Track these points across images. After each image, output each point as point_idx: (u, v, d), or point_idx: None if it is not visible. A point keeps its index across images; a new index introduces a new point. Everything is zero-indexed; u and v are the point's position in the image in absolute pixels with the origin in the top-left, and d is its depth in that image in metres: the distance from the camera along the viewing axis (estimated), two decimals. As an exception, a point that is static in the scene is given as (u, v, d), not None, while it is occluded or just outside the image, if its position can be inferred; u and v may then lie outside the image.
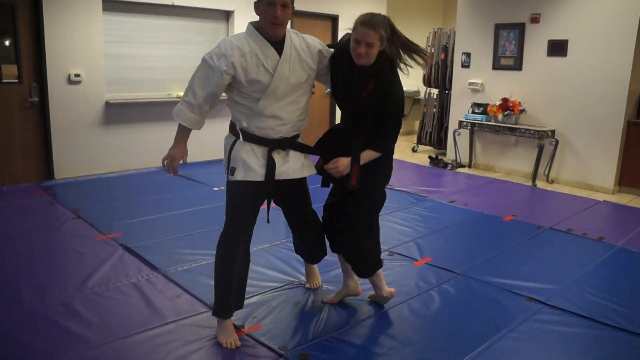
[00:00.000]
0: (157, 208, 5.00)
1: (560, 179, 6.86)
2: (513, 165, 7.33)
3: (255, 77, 2.56)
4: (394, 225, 4.67)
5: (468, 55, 7.66)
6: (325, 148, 2.93)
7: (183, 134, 2.79)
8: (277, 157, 2.72)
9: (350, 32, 2.69)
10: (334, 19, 8.61)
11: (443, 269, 3.74)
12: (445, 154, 8.28)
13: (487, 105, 7.26)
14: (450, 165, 7.61)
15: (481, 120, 7.25)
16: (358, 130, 2.77)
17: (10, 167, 5.74)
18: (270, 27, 2.55)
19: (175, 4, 6.65)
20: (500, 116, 6.99)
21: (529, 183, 6.75)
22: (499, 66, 7.32)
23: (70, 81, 5.96)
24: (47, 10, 5.68)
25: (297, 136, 2.82)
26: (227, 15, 7.28)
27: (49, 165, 5.97)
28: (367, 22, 2.59)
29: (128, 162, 6.57)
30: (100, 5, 6.07)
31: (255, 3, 2.59)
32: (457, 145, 7.72)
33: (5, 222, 4.54)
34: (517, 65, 7.11)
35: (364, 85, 2.70)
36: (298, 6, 8.01)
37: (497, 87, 7.33)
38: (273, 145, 2.70)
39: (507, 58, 7.22)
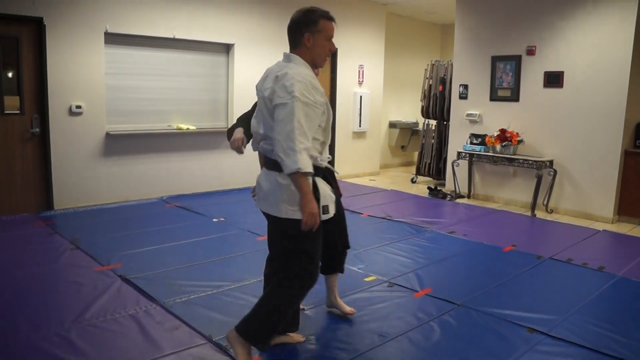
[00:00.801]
0: (156, 239, 4.99)
1: (559, 208, 6.87)
2: (512, 195, 7.35)
3: (325, 114, 2.60)
4: (393, 256, 4.66)
5: (465, 87, 7.75)
6: None
7: (308, 182, 2.51)
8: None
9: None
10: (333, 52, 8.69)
11: (443, 300, 3.72)
12: (444, 185, 8.30)
13: (485, 136, 7.31)
14: (449, 196, 7.62)
15: (479, 151, 7.28)
16: None
17: (10, 197, 5.74)
18: (324, 60, 2.69)
19: (176, 37, 6.75)
20: (498, 147, 7.03)
21: (528, 213, 6.75)
22: (496, 97, 7.40)
23: (71, 112, 6.02)
24: (50, 43, 5.77)
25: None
26: (227, 48, 7.38)
27: (49, 196, 5.98)
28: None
29: (128, 193, 6.58)
30: (102, 38, 6.17)
31: (306, 34, 2.59)
32: (456, 176, 7.74)
33: (4, 252, 4.52)
34: (514, 97, 7.18)
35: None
36: (297, 39, 8.10)
37: (495, 118, 7.40)
38: (321, 173, 2.71)
39: (504, 89, 7.30)
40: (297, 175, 2.39)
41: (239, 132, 2.92)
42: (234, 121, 3.15)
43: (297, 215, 2.53)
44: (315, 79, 2.56)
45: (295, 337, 3.07)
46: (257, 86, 2.75)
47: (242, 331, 2.59)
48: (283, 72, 2.52)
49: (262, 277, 3.90)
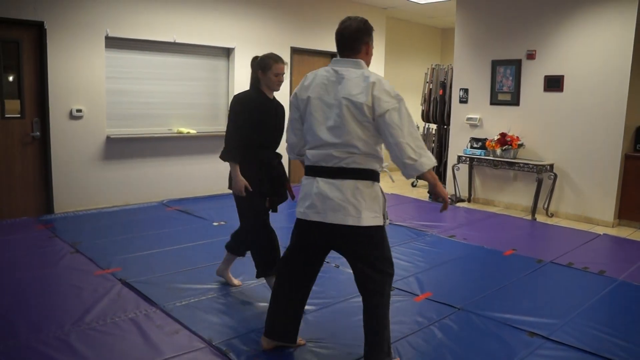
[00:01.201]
0: (156, 243, 4.98)
1: (559, 212, 6.86)
2: (512, 199, 7.34)
3: None
4: (394, 260, 4.64)
5: (466, 91, 7.75)
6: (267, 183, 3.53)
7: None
8: None
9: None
10: (333, 56, 8.72)
11: (443, 304, 3.71)
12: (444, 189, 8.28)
13: (485, 140, 7.32)
14: (449, 200, 7.59)
15: (480, 155, 7.29)
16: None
17: (10, 200, 5.74)
18: None
19: (176, 41, 6.76)
20: (498, 151, 7.03)
21: (529, 217, 6.75)
22: (497, 101, 7.40)
23: (72, 116, 6.02)
24: (51, 47, 5.78)
25: None
26: (227, 52, 7.40)
27: (49, 199, 5.98)
28: (281, 59, 3.51)
29: (128, 196, 6.58)
30: (103, 42, 6.18)
31: (368, 42, 2.74)
32: (457, 180, 7.74)
33: (4, 255, 4.52)
34: (515, 101, 7.19)
35: (283, 114, 3.59)
36: (298, 44, 8.16)
37: (495, 122, 7.40)
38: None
39: (505, 93, 7.30)
40: (429, 171, 2.54)
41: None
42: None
43: (379, 221, 2.61)
44: None
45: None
46: (312, 95, 2.64)
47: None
48: (373, 77, 2.53)
49: (263, 281, 3.92)
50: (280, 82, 3.51)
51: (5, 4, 5.45)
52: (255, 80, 3.56)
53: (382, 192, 2.67)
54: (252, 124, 3.42)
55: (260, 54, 3.63)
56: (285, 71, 3.54)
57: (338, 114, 2.55)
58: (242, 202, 3.56)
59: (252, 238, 3.62)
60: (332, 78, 2.61)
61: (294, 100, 2.75)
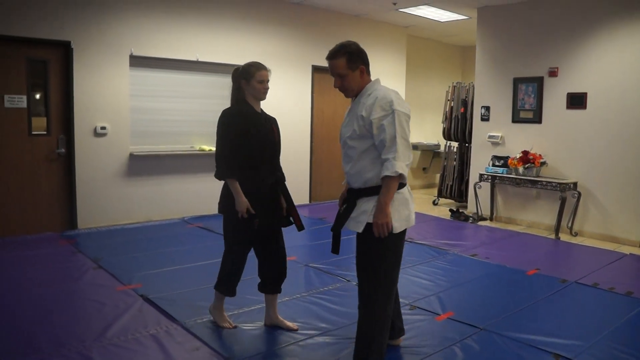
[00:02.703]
0: (177, 259, 5.01)
1: (584, 231, 6.75)
2: (535, 218, 7.25)
3: None
4: (415, 279, 4.61)
5: (487, 108, 7.72)
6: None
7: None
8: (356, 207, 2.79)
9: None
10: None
11: (466, 324, 3.66)
12: (466, 207, 8.22)
13: (507, 158, 7.25)
14: (471, 218, 7.54)
15: (502, 173, 7.22)
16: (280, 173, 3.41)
17: (35, 216, 5.83)
18: (344, 94, 2.94)
19: (199, 59, 6.85)
20: (521, 169, 6.96)
21: (552, 236, 6.65)
22: (519, 119, 7.35)
23: (96, 133, 6.12)
24: (77, 66, 5.91)
25: (364, 191, 2.74)
26: (249, 70, 7.46)
27: (73, 215, 6.06)
28: (263, 66, 3.37)
29: (150, 213, 6.64)
30: (128, 61, 6.29)
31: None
32: (478, 198, 7.67)
33: (27, 270, 4.58)
34: (537, 118, 7.13)
35: (271, 129, 3.36)
36: (320, 62, 8.22)
37: (517, 139, 7.34)
38: (349, 192, 2.88)
39: (527, 111, 7.25)
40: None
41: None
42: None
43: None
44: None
45: None
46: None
47: None
48: None
49: (285, 298, 3.91)
50: (265, 89, 3.32)
51: (34, 24, 5.59)
52: (237, 93, 3.37)
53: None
54: (240, 139, 3.20)
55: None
56: (269, 78, 3.33)
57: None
58: (228, 224, 3.44)
59: (227, 255, 3.49)
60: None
61: None
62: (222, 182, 3.32)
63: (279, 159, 3.47)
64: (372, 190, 2.71)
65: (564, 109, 6.84)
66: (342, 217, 2.79)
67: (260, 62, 3.35)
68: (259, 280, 3.53)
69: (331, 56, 2.81)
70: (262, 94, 3.33)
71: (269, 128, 3.35)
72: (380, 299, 2.73)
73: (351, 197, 2.80)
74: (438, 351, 3.24)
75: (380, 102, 2.69)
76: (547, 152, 6.98)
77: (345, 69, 2.77)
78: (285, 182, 3.47)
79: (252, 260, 3.49)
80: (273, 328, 3.49)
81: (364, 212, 2.71)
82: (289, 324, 3.51)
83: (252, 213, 3.20)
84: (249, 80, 3.29)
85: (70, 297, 4.01)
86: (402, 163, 2.61)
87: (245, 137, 3.21)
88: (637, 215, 6.26)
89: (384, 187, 2.62)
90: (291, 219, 3.44)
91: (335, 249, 2.89)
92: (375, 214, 2.63)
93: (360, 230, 2.71)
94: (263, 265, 3.49)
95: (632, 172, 6.26)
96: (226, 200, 3.36)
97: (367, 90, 2.82)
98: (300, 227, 3.40)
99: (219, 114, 3.29)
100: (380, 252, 2.71)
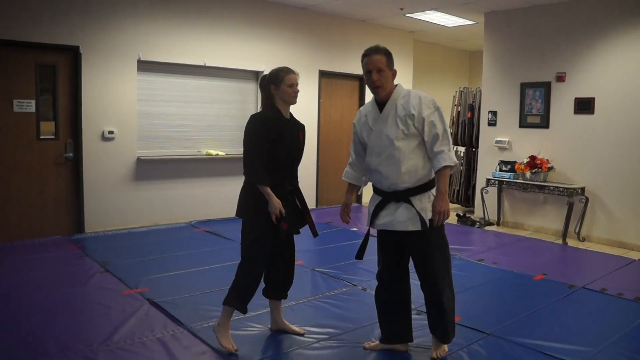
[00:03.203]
0: (184, 263, 5.02)
1: (591, 236, 6.71)
2: (542, 223, 7.22)
3: (364, 135, 3.07)
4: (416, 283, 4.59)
5: (494, 113, 7.70)
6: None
7: (348, 189, 3.40)
8: (389, 209, 2.99)
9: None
10: (361, 79, 8.78)
11: (472, 329, 3.64)
12: (473, 212, 8.20)
13: (514, 163, 7.23)
14: (478, 223, 7.52)
15: (509, 178, 7.20)
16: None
17: (42, 220, 5.86)
18: (373, 91, 3.03)
19: (206, 64, 6.88)
20: (528, 174, 6.94)
21: (559, 241, 6.62)
22: (526, 124, 7.33)
23: (104, 138, 6.15)
24: (85, 70, 5.95)
25: (414, 190, 2.95)
26: (256, 76, 7.49)
27: (80, 219, 6.09)
28: (292, 70, 3.33)
29: (157, 217, 6.66)
30: (135, 65, 6.33)
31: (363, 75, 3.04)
32: (485, 203, 7.64)
33: (35, 273, 4.60)
34: (544, 123, 7.11)
35: (298, 136, 3.31)
36: (327, 67, 8.23)
37: (525, 144, 7.32)
38: (385, 197, 3.01)
39: (534, 116, 7.23)
40: None
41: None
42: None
43: None
44: (361, 110, 3.21)
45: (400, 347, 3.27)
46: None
47: (452, 336, 3.17)
48: None
49: (292, 302, 3.91)
50: (295, 93, 3.29)
51: (43, 29, 5.64)
52: (267, 100, 3.33)
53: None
54: (268, 145, 3.16)
55: None
56: (298, 82, 3.32)
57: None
58: (249, 230, 3.26)
59: (245, 265, 3.28)
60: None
61: None
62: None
63: (298, 165, 3.43)
64: (422, 188, 2.95)
65: (572, 114, 6.82)
66: (394, 221, 2.96)
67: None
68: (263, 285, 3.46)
69: (374, 51, 2.97)
70: (292, 97, 3.30)
71: (295, 135, 3.31)
72: (451, 276, 3.13)
73: (397, 199, 2.96)
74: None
75: (425, 101, 2.95)
76: (554, 157, 6.96)
77: (385, 65, 2.95)
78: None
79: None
80: (279, 332, 3.49)
81: (422, 209, 2.93)
82: (296, 328, 3.50)
83: (284, 215, 3.14)
84: (278, 85, 3.25)
85: (77, 300, 4.02)
86: (453, 153, 2.92)
87: (273, 144, 3.16)
88: (645, 221, 6.23)
89: (443, 177, 2.89)
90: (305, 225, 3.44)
91: (361, 254, 3.19)
92: (437, 203, 2.88)
93: (423, 227, 2.92)
94: (273, 271, 3.41)
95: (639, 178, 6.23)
96: (247, 205, 3.25)
97: (399, 93, 3.01)
98: (315, 234, 3.39)
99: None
100: (443, 237, 3.06)
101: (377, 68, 2.93)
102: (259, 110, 3.36)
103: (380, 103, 3.02)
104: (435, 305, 3.10)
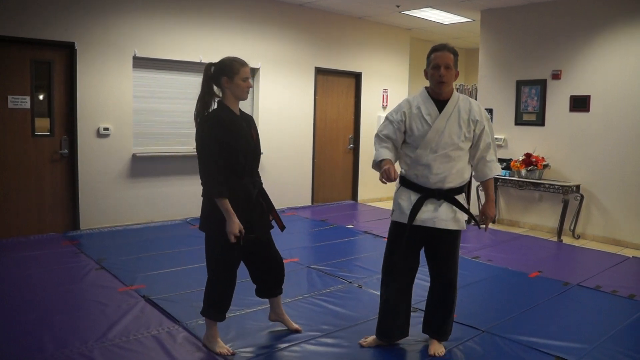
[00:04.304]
0: (180, 260, 5.01)
1: (586, 234, 6.74)
2: (538, 220, 7.24)
3: (415, 127, 3.01)
4: (417, 282, 4.55)
5: (490, 111, 7.71)
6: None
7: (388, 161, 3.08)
8: (430, 205, 3.03)
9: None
10: (357, 76, 8.78)
11: (468, 326, 3.65)
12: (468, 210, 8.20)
13: (510, 160, 7.25)
14: (473, 221, 7.50)
15: (504, 176, 7.21)
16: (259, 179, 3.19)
17: (38, 217, 5.85)
18: (437, 86, 3.01)
19: (202, 61, 6.86)
20: (523, 171, 6.95)
21: (555, 239, 6.64)
22: (522, 122, 7.35)
23: (99, 134, 6.14)
24: (80, 67, 5.93)
25: (455, 190, 3.08)
26: (252, 72, 7.48)
27: (75, 216, 6.08)
28: (245, 62, 3.10)
29: (153, 214, 6.65)
30: (131, 62, 6.31)
31: (424, 70, 3.11)
32: (481, 201, 7.66)
33: (31, 271, 4.59)
34: (540, 121, 7.12)
35: (251, 133, 3.11)
36: (323, 64, 8.22)
37: (520, 142, 7.33)
38: (427, 193, 3.03)
39: (530, 114, 7.25)
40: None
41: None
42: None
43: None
44: (411, 102, 3.13)
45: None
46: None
47: (447, 336, 3.26)
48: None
49: (288, 300, 3.91)
50: (249, 87, 3.05)
51: (39, 26, 5.62)
52: (210, 95, 3.07)
53: (397, 191, 3.19)
54: (223, 152, 2.92)
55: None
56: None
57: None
58: (212, 245, 3.06)
59: (213, 279, 3.12)
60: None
61: None
62: None
63: (259, 163, 3.22)
64: (460, 190, 3.11)
65: (567, 111, 6.84)
66: (436, 219, 3.03)
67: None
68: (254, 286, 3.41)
69: (445, 48, 3.04)
70: (246, 93, 3.05)
71: (250, 133, 3.08)
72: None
73: (438, 197, 3.03)
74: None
75: (483, 111, 3.09)
76: (550, 154, 6.97)
77: (453, 63, 3.01)
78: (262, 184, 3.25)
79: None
80: (275, 330, 3.48)
81: (458, 211, 3.09)
82: (294, 324, 3.50)
83: (243, 233, 2.92)
84: (232, 78, 2.97)
85: (73, 298, 4.01)
86: None
87: (229, 149, 2.92)
88: (640, 218, 6.26)
89: (492, 185, 3.21)
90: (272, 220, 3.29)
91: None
92: (490, 209, 3.22)
93: (464, 227, 3.13)
94: (259, 273, 3.31)
95: (635, 174, 6.25)
96: (210, 217, 3.00)
97: (457, 95, 3.07)
98: (282, 227, 3.25)
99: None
100: (460, 240, 3.22)
101: (446, 64, 2.97)
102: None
103: (437, 100, 3.04)
104: (444, 304, 3.20)
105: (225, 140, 2.91)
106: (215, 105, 3.09)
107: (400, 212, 3.07)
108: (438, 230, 3.04)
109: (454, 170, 3.02)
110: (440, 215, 3.01)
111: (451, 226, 3.03)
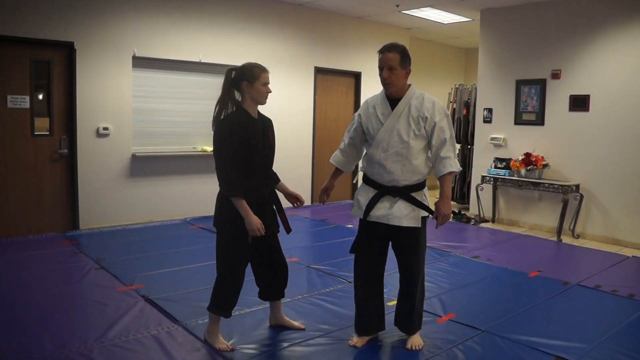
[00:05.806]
0: (179, 260, 5.01)
1: (586, 234, 6.74)
2: (537, 220, 7.24)
3: (370, 126, 3.10)
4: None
5: (490, 110, 7.71)
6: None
7: (333, 173, 3.47)
8: (385, 202, 3.07)
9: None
10: (356, 76, 8.78)
11: (467, 326, 3.65)
12: (468, 209, 8.22)
13: (509, 160, 7.25)
14: (473, 221, 7.54)
15: (504, 175, 7.21)
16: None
17: (37, 216, 5.84)
18: (384, 88, 3.11)
19: (202, 60, 6.86)
20: (523, 171, 6.95)
21: (554, 238, 6.64)
22: (521, 121, 7.34)
23: (98, 134, 6.13)
24: (80, 67, 5.92)
25: (412, 187, 3.08)
26: (252, 72, 7.47)
27: (75, 216, 6.07)
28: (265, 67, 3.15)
29: (152, 214, 6.65)
30: (131, 62, 6.30)
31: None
32: (480, 200, 7.66)
33: (30, 270, 4.59)
34: (539, 121, 7.12)
35: (268, 135, 3.15)
36: (322, 64, 8.22)
37: (520, 142, 7.33)
38: (383, 190, 3.08)
39: (529, 113, 7.25)
40: None
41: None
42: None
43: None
44: (368, 102, 3.25)
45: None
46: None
47: (418, 328, 3.30)
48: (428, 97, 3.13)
49: (288, 299, 3.91)
50: (269, 92, 3.10)
51: (38, 25, 5.61)
52: (231, 99, 3.12)
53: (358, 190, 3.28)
54: (241, 153, 2.98)
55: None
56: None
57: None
58: (224, 241, 3.12)
59: (223, 276, 3.18)
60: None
61: None
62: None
63: (273, 163, 3.28)
64: (418, 187, 3.09)
65: (567, 111, 6.84)
66: (390, 215, 3.04)
67: (262, 63, 3.26)
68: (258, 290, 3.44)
69: (387, 49, 3.07)
70: (264, 98, 3.10)
71: (266, 135, 3.15)
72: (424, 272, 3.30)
73: (394, 194, 3.05)
74: (439, 353, 3.23)
75: (437, 106, 3.08)
76: (549, 154, 6.97)
77: (398, 64, 3.02)
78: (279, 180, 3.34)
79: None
80: (275, 328, 3.49)
81: (416, 208, 3.06)
82: (296, 323, 3.50)
83: (263, 234, 2.99)
84: (252, 83, 3.03)
85: (72, 297, 4.01)
86: (457, 160, 3.09)
87: (247, 150, 2.98)
88: (639, 218, 6.25)
89: (448, 182, 3.07)
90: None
91: (355, 248, 3.29)
92: (442, 206, 3.04)
93: (418, 224, 3.07)
94: (264, 275, 3.35)
95: (634, 174, 6.25)
96: (221, 215, 3.08)
97: (412, 93, 3.10)
98: (288, 230, 3.32)
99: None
100: (425, 237, 3.21)
101: (389, 66, 3.02)
102: (265, 107, 3.22)
103: (391, 99, 3.09)
104: (409, 298, 3.24)
105: (241, 142, 2.98)
106: (233, 109, 3.14)
107: (358, 207, 3.18)
108: (396, 227, 3.07)
109: (409, 168, 3.04)
110: (394, 213, 3.04)
111: (405, 223, 3.03)
